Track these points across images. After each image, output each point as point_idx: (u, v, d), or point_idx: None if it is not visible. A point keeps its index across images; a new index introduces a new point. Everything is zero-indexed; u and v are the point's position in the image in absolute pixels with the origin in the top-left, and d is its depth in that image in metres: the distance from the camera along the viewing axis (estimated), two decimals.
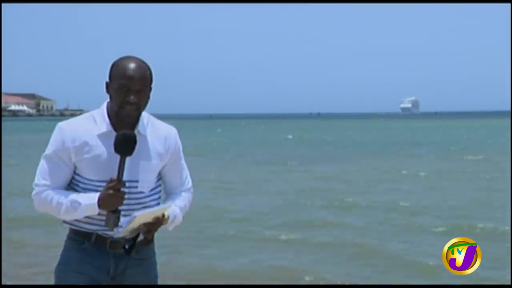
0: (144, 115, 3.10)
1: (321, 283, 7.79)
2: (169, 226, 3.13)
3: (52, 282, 3.14)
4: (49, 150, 3.04)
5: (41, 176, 3.03)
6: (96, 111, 3.09)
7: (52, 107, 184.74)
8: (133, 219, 2.95)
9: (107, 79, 3.05)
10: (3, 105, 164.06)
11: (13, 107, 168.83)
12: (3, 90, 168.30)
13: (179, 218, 3.17)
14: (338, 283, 7.77)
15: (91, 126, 3.03)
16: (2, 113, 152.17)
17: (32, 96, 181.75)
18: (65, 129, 3.04)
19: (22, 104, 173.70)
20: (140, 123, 3.07)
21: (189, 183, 3.29)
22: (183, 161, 3.25)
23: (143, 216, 2.97)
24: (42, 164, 3.05)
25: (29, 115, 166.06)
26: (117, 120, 3.03)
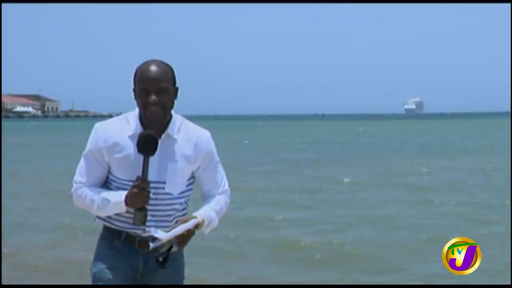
0: (177, 118, 3.18)
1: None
2: (205, 230, 3.19)
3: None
4: (86, 149, 3.18)
5: (79, 173, 3.18)
6: (130, 113, 3.18)
7: (57, 108, 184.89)
8: (161, 243, 2.99)
9: (132, 85, 3.14)
10: (8, 106, 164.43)
11: (18, 109, 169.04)
12: (8, 92, 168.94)
13: (215, 221, 3.22)
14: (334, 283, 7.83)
15: (124, 127, 3.14)
16: (8, 114, 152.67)
17: (37, 97, 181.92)
18: (99, 129, 3.17)
19: (28, 106, 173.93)
20: (171, 125, 3.14)
21: (225, 186, 3.31)
22: (218, 165, 3.28)
23: (171, 237, 3.01)
24: (81, 162, 3.19)
25: (34, 116, 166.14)
26: (147, 122, 3.11)
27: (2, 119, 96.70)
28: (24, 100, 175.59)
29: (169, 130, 3.13)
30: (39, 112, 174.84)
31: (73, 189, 3.19)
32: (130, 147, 3.10)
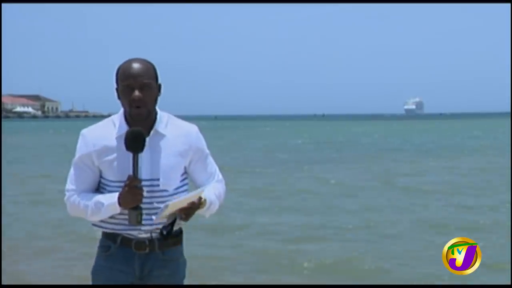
0: (164, 115, 3.18)
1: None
2: (206, 214, 3.18)
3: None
4: (75, 156, 3.17)
5: (70, 181, 3.18)
6: (115, 115, 3.18)
7: (57, 109, 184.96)
8: (167, 206, 2.99)
9: (115, 85, 3.13)
10: (8, 106, 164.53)
11: (18, 109, 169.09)
12: (8, 92, 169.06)
13: (215, 205, 3.21)
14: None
15: (111, 130, 3.14)
16: (8, 114, 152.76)
17: (37, 98, 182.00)
18: (86, 135, 3.16)
19: (28, 106, 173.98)
20: (158, 122, 3.14)
21: (219, 176, 3.31)
22: (209, 157, 3.28)
23: (177, 203, 3.01)
24: (71, 170, 3.19)
25: (35, 116, 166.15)
26: (133, 121, 3.10)
27: (2, 119, 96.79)
28: (24, 101, 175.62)
29: (157, 126, 3.13)
30: (39, 113, 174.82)
31: (65, 198, 3.19)
32: (120, 148, 3.08)
